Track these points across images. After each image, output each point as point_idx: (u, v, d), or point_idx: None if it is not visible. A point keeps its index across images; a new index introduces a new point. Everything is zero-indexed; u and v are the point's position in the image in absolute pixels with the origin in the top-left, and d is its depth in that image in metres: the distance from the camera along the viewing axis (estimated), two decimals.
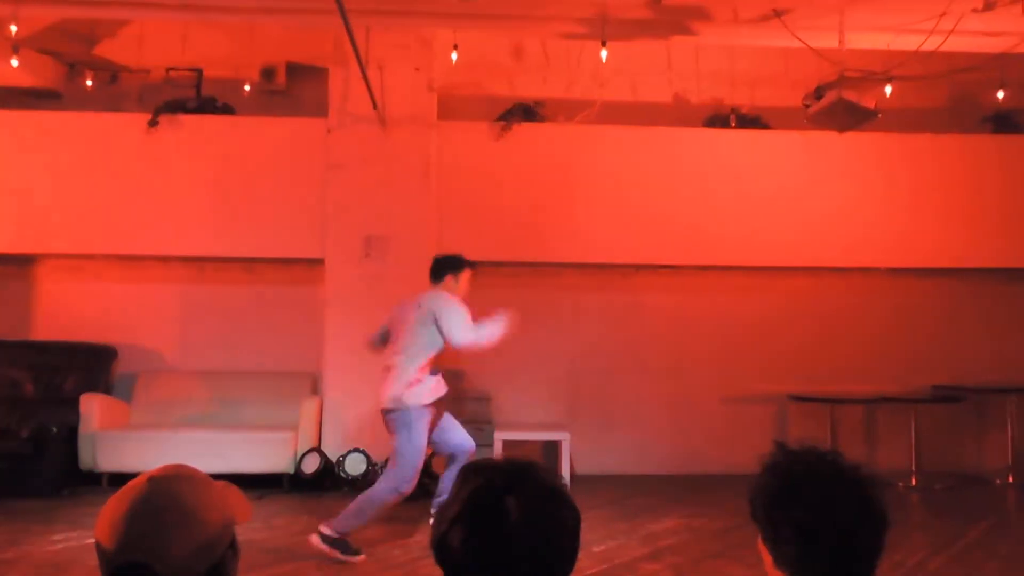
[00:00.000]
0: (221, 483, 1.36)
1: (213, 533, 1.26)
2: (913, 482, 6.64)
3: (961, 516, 5.65)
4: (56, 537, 4.82)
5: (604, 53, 5.62)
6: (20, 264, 6.97)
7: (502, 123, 6.78)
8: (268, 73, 7.02)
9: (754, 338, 7.24)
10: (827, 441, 6.69)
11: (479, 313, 4.57)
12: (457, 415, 6.83)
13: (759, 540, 1.42)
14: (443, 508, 1.25)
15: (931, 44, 5.31)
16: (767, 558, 1.40)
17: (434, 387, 4.50)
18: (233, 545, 1.32)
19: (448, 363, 6.86)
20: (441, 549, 1.22)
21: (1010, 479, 6.87)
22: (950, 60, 6.41)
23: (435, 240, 6.57)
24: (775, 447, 1.45)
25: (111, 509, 1.26)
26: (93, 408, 6.19)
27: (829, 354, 7.25)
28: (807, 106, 6.09)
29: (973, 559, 4.61)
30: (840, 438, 6.96)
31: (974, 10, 5.18)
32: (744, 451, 6.75)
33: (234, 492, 1.37)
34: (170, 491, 1.26)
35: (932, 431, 6.98)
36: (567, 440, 6.56)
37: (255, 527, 4.94)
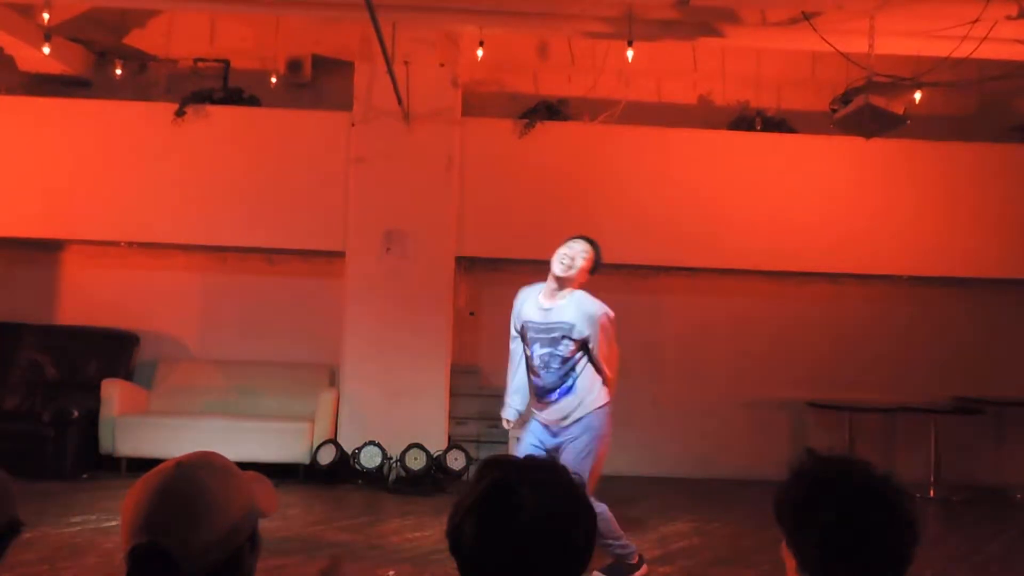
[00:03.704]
0: (251, 474, 1.36)
1: (233, 524, 1.27)
2: (931, 493, 6.57)
3: (979, 529, 5.59)
4: (74, 519, 4.87)
5: (630, 53, 5.60)
6: (46, 249, 7.05)
7: (526, 121, 6.78)
8: (294, 66, 7.06)
9: (773, 343, 7.19)
10: (845, 449, 6.62)
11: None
12: (472, 412, 6.89)
13: (783, 545, 1.42)
14: (459, 499, 1.25)
15: (962, 51, 5.24)
16: (790, 563, 1.40)
17: None
18: (253, 538, 1.33)
19: (466, 360, 6.91)
20: (455, 539, 1.23)
21: None
22: (980, 67, 6.33)
23: (455, 237, 6.58)
24: (805, 453, 1.45)
25: (137, 490, 1.27)
26: (114, 393, 6.25)
27: (849, 362, 7.18)
28: (834, 111, 6.04)
29: (990, 573, 4.55)
30: (858, 447, 6.89)
31: (1008, 17, 5.11)
32: (760, 457, 6.74)
33: (262, 484, 1.38)
34: (196, 478, 1.27)
35: (952, 442, 6.89)
36: None
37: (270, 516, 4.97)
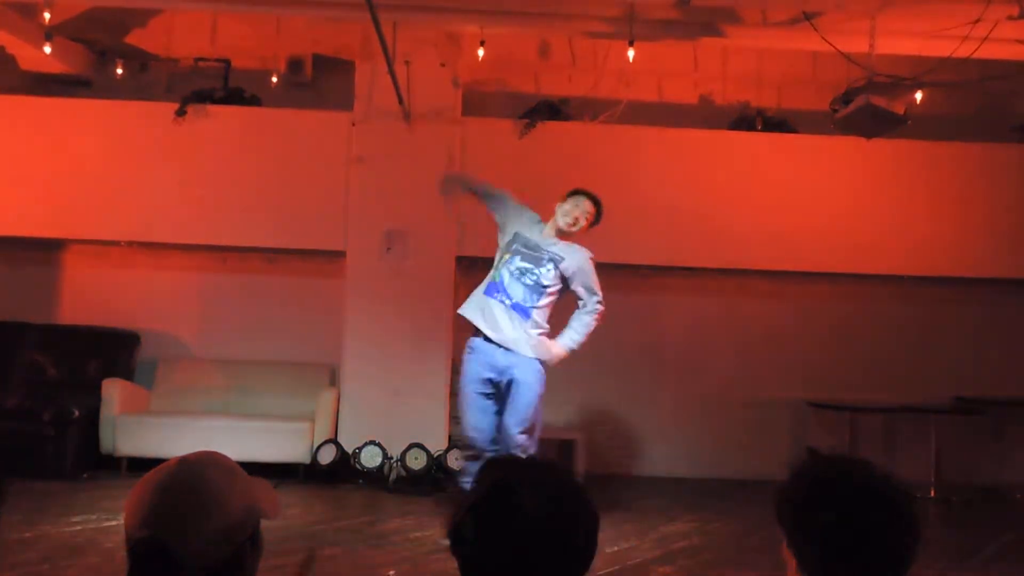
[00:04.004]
0: (254, 478, 1.37)
1: (233, 522, 1.27)
2: (931, 493, 6.56)
3: (979, 530, 5.58)
4: (74, 519, 4.87)
5: (631, 53, 5.60)
6: (46, 249, 7.05)
7: (526, 121, 6.77)
8: (295, 65, 7.06)
9: (773, 343, 7.18)
10: (845, 449, 6.62)
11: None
12: None
13: (783, 545, 1.42)
14: (461, 498, 1.26)
15: (963, 51, 5.24)
16: (791, 563, 1.40)
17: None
18: (254, 538, 1.33)
19: None
20: (456, 539, 1.23)
21: None
22: (981, 67, 6.33)
23: (456, 237, 6.58)
24: (807, 453, 1.46)
25: (140, 487, 1.29)
26: (114, 393, 6.25)
27: (849, 362, 7.17)
28: (834, 111, 6.03)
29: (990, 573, 4.55)
30: (859, 447, 6.89)
31: (1009, 17, 5.11)
32: (760, 457, 6.74)
33: (264, 487, 1.38)
34: (197, 475, 1.28)
35: (952, 443, 6.89)
36: (581, 439, 6.56)
37: (272, 519, 4.97)
